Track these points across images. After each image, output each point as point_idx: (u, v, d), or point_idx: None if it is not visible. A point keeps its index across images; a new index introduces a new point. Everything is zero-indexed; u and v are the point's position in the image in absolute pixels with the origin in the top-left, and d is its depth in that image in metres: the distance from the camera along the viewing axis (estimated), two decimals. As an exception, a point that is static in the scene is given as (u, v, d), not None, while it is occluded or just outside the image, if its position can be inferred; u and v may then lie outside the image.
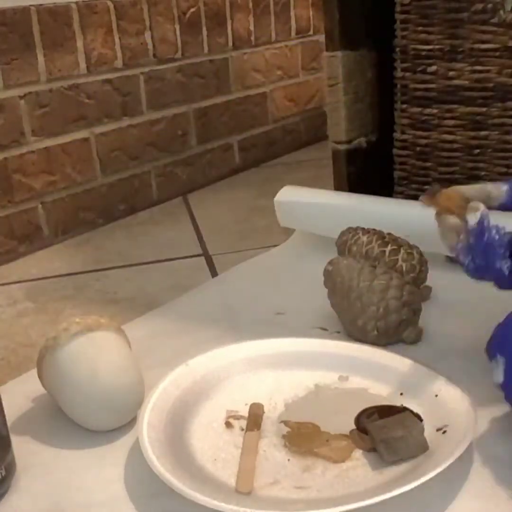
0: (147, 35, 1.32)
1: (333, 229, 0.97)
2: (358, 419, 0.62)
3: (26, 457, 0.62)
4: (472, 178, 1.05)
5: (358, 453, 0.59)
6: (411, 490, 0.52)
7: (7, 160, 1.14)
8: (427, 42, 1.05)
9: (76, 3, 1.19)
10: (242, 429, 0.63)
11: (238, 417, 0.65)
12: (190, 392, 0.67)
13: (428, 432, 0.59)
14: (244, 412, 0.65)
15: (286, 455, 0.60)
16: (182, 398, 0.66)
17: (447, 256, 0.92)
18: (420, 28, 1.05)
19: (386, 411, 0.61)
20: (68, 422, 0.66)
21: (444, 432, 0.59)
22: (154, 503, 0.56)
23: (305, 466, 0.59)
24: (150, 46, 1.33)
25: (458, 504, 0.54)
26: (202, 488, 0.54)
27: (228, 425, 0.64)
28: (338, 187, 1.15)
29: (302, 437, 0.61)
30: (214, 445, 0.61)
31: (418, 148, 1.11)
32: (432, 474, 0.53)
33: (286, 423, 0.64)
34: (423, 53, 1.06)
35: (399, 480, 0.54)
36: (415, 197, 1.10)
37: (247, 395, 0.68)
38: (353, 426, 0.62)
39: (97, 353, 0.66)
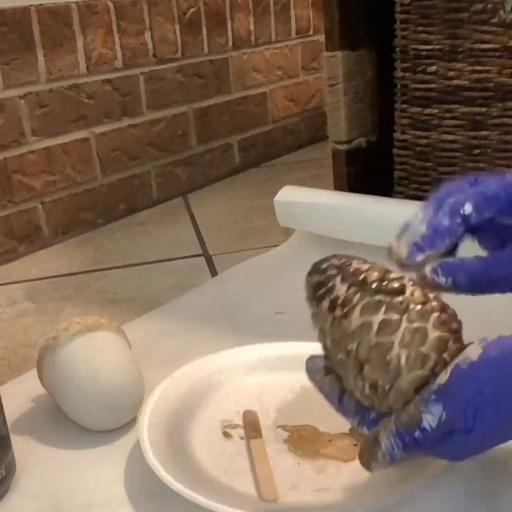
0: (147, 35, 1.32)
1: (333, 229, 0.97)
2: None
3: (26, 457, 0.62)
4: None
5: (363, 450, 0.59)
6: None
7: (7, 160, 1.14)
8: (427, 42, 1.05)
9: (76, 3, 1.19)
10: (242, 438, 0.63)
11: (234, 426, 0.64)
12: (181, 406, 0.65)
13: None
14: (238, 420, 0.65)
15: (294, 459, 0.60)
16: (176, 413, 0.64)
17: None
18: (420, 28, 1.05)
19: None
20: (68, 422, 0.66)
21: None
22: (154, 504, 0.56)
23: (317, 468, 0.58)
24: (150, 46, 1.33)
25: (460, 504, 0.54)
26: (228, 500, 0.53)
27: (226, 435, 0.63)
28: (338, 187, 1.15)
29: (304, 440, 0.61)
30: (219, 457, 0.61)
31: (418, 148, 1.11)
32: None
33: (283, 427, 0.63)
34: (423, 53, 1.06)
35: (416, 471, 0.54)
36: (415, 197, 1.11)
37: (237, 403, 0.67)
38: (349, 424, 0.61)
39: (97, 353, 0.66)
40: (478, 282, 0.48)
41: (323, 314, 0.50)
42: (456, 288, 0.47)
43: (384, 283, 0.48)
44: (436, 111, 1.07)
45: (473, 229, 0.49)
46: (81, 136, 1.24)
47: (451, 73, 1.04)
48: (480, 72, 1.02)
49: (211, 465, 0.59)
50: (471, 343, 0.47)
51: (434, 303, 0.47)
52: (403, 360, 0.45)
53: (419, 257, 0.48)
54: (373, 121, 1.16)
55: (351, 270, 0.50)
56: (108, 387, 0.64)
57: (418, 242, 0.48)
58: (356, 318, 0.47)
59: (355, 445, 0.60)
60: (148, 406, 0.63)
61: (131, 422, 0.66)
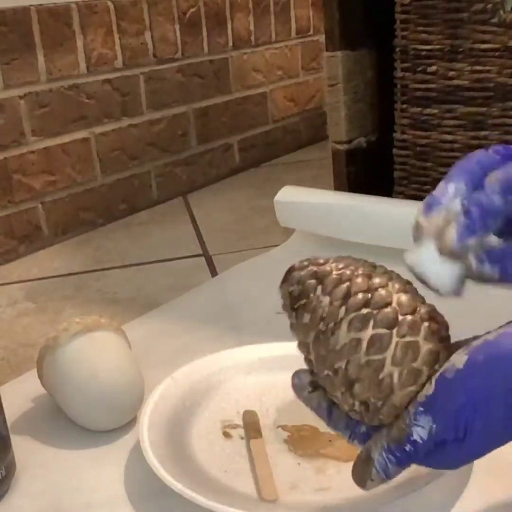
0: (147, 35, 1.32)
1: (333, 229, 0.97)
2: None
3: (26, 457, 0.62)
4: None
5: (363, 450, 0.59)
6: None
7: (7, 160, 1.14)
8: (427, 42, 1.05)
9: (76, 3, 1.19)
10: (242, 438, 0.63)
11: (234, 426, 0.64)
12: (181, 406, 0.65)
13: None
14: (238, 420, 0.65)
15: (294, 459, 0.60)
16: (176, 413, 0.64)
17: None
18: (420, 28, 1.05)
19: None
20: (68, 422, 0.66)
21: None
22: (153, 504, 0.56)
23: (317, 468, 0.58)
24: (150, 46, 1.33)
25: (460, 505, 0.54)
26: (228, 500, 0.53)
27: (226, 435, 0.63)
28: (338, 187, 1.15)
29: (304, 440, 0.61)
30: (219, 457, 0.61)
31: (418, 148, 1.11)
32: None
33: (284, 427, 0.63)
34: (423, 53, 1.06)
35: (417, 470, 0.54)
36: (415, 197, 1.11)
37: (237, 403, 0.67)
38: None
39: (97, 353, 0.66)
40: None
41: (304, 327, 0.47)
42: (503, 277, 0.43)
43: (369, 295, 0.44)
44: (436, 111, 1.07)
45: None
46: (81, 136, 1.24)
47: (451, 73, 1.04)
48: (480, 72, 1.02)
49: (211, 465, 0.59)
50: (458, 343, 0.45)
51: (423, 310, 0.45)
52: (395, 378, 0.43)
53: (471, 241, 0.42)
54: (373, 121, 1.16)
55: (332, 278, 0.46)
56: (108, 387, 0.64)
57: (468, 224, 0.42)
58: (343, 335, 0.44)
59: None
60: (148, 406, 0.63)
61: (131, 422, 0.66)
